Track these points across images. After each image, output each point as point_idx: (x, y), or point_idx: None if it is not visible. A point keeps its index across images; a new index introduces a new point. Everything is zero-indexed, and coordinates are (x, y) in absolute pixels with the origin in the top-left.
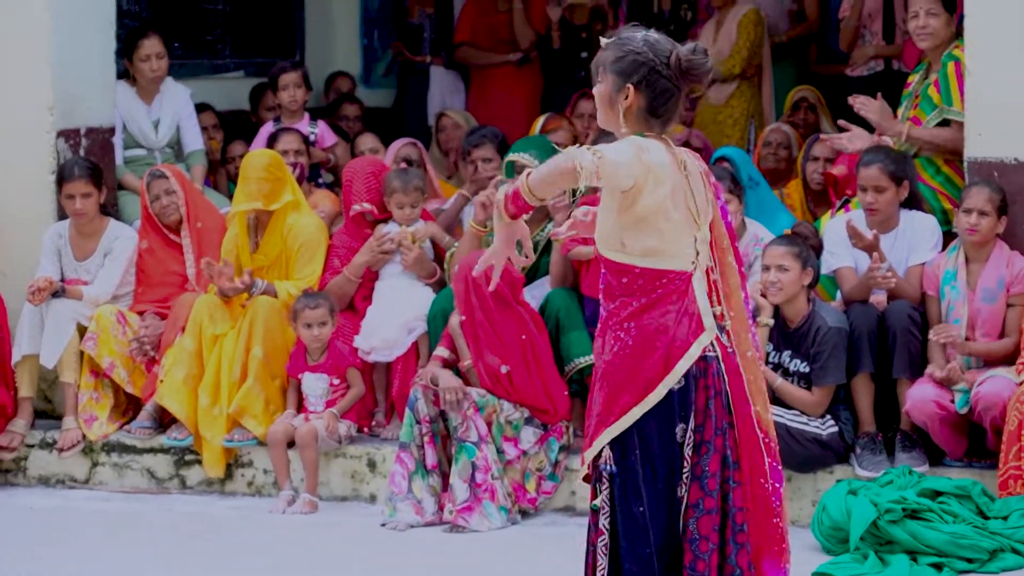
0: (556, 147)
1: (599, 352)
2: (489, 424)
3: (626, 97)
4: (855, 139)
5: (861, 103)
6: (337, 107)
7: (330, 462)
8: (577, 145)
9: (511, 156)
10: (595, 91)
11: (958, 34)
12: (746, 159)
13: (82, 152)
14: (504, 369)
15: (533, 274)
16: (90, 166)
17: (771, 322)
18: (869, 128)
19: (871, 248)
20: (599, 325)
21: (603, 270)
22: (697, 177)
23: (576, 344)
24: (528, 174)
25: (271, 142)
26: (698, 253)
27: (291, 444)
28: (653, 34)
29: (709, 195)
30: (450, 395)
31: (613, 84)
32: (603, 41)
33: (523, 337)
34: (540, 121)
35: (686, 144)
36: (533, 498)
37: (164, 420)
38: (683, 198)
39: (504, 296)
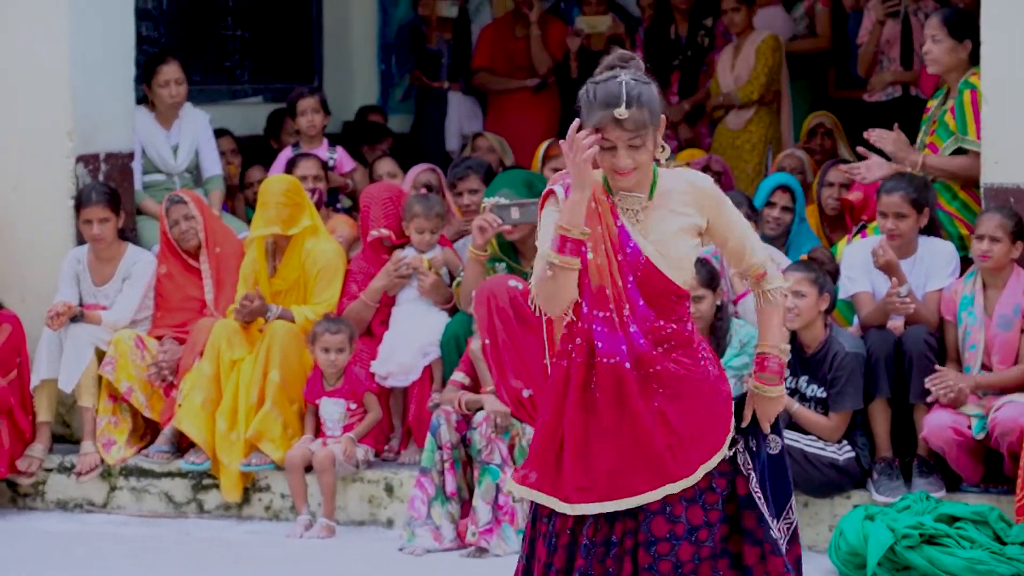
0: (534, 179)
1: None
2: (511, 448)
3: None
4: (873, 168)
5: (877, 135)
6: (361, 132)
7: (347, 487)
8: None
9: (488, 201)
10: (636, 156)
11: (975, 61)
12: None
13: (101, 177)
14: (527, 393)
15: None
16: (108, 191)
17: (786, 347)
18: (886, 155)
19: (891, 266)
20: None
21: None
22: None
23: None
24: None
25: (290, 167)
26: None
27: (308, 469)
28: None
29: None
30: (501, 420)
31: (655, 128)
32: (619, 112)
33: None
34: (543, 148)
35: (705, 168)
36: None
37: (182, 444)
38: None
39: (526, 317)
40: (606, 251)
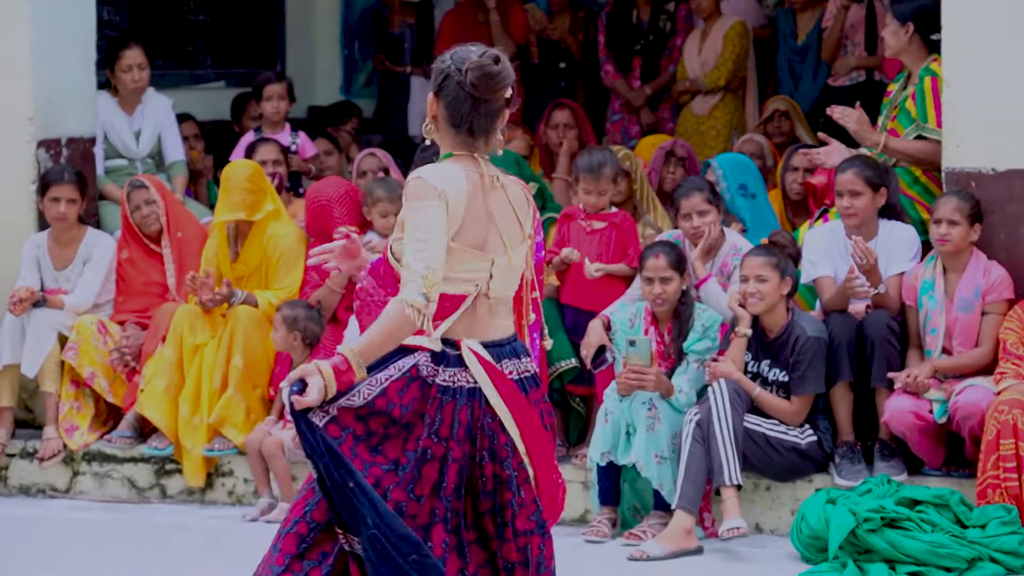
0: (522, 160)
1: None
2: None
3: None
4: (833, 153)
5: (840, 113)
6: (327, 112)
7: (307, 471)
8: (507, 172)
9: None
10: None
11: (935, 48)
12: (740, 168)
13: (63, 162)
14: None
15: None
16: (76, 173)
17: (749, 332)
18: (849, 141)
19: (871, 269)
20: None
21: None
22: (513, 203)
23: (557, 347)
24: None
25: (249, 152)
26: (491, 277)
27: None
28: (477, 49)
29: (527, 223)
30: None
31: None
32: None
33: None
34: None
35: (670, 153)
36: None
37: (145, 430)
38: (482, 222)
39: None
40: None
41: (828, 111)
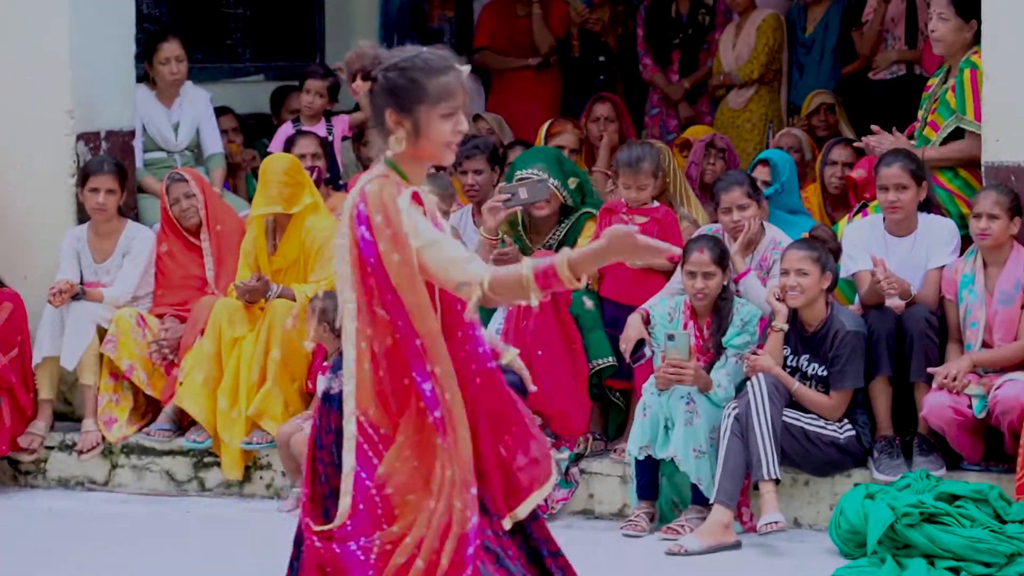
0: (562, 155)
1: None
2: None
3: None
4: (884, 140)
5: (876, 141)
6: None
7: None
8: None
9: (521, 174)
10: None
11: (977, 40)
12: (787, 164)
13: (102, 154)
14: (539, 352)
15: None
16: (117, 165)
17: (786, 327)
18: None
19: (905, 295)
20: None
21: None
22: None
23: (595, 345)
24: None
25: (288, 145)
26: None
27: None
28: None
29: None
30: None
31: None
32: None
33: (575, 346)
34: (545, 127)
35: (710, 146)
36: (543, 505)
37: (183, 423)
38: None
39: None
40: None
41: (864, 141)
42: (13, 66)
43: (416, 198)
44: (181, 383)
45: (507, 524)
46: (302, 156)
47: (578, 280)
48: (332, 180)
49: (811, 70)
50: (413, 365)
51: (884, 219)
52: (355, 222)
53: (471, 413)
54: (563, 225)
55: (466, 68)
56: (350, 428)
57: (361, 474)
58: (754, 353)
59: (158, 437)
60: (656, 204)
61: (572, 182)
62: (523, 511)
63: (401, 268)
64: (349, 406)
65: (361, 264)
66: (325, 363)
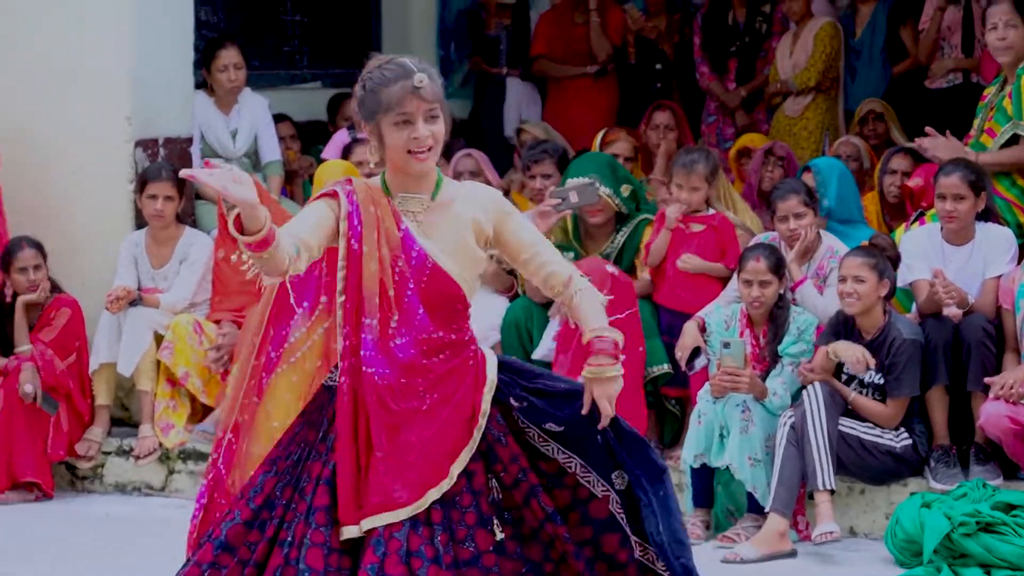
0: (615, 162)
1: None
2: None
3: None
4: (940, 146)
5: (931, 143)
6: None
7: None
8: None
9: (571, 182)
10: (433, 129)
11: None
12: (835, 170)
13: (161, 160)
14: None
15: None
16: (174, 171)
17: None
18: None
19: (963, 304)
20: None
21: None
22: None
23: (651, 352)
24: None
25: (346, 152)
26: None
27: None
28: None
29: None
30: None
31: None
32: (419, 78)
33: (640, 349)
34: (600, 135)
35: (768, 153)
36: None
37: None
38: None
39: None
40: (380, 258)
41: (916, 142)
42: (72, 72)
43: (332, 195)
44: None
45: (346, 533)
46: (360, 163)
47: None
48: None
49: (863, 74)
50: None
51: (942, 228)
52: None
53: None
54: (620, 233)
55: (420, 76)
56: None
57: None
58: (809, 371)
59: (200, 437)
60: (712, 211)
61: (625, 189)
62: (365, 525)
63: None
64: None
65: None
66: None
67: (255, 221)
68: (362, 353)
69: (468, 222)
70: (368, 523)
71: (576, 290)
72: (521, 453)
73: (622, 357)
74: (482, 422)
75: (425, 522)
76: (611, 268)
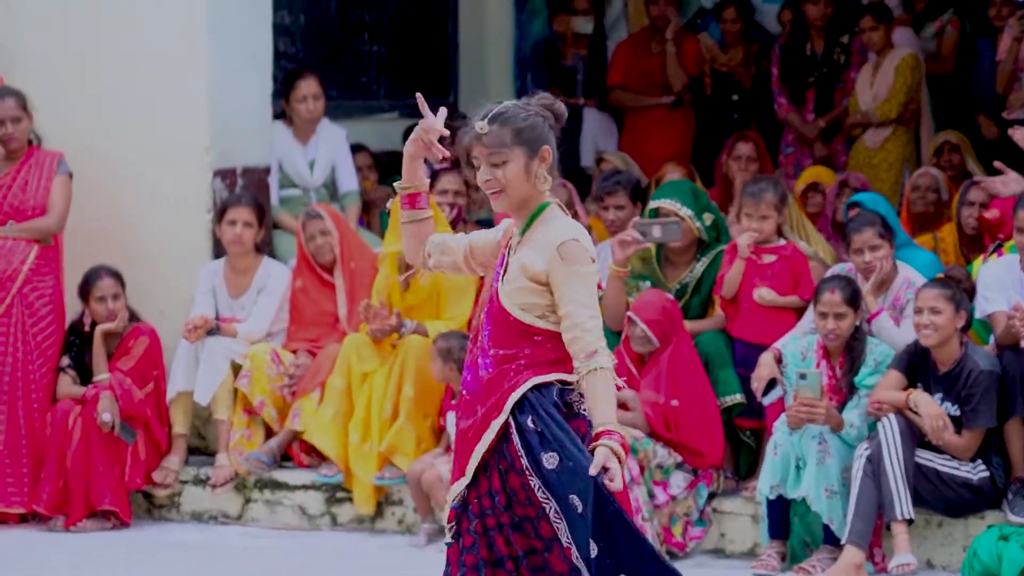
0: (698, 190)
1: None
2: (641, 467)
3: (543, 160)
4: (1010, 183)
5: (1021, 135)
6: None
7: None
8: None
9: (655, 203)
10: (496, 173)
11: None
12: (880, 202)
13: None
14: (674, 403)
15: (683, 314)
16: (256, 199)
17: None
18: None
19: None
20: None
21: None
22: None
23: (725, 382)
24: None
25: (432, 182)
26: None
27: None
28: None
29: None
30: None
31: (526, 153)
32: (480, 125)
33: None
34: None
35: (843, 185)
36: (680, 542)
37: (286, 456)
38: None
39: (668, 334)
40: (490, 282)
41: (1009, 132)
42: (152, 102)
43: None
44: (301, 429)
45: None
46: (444, 192)
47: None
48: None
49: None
50: None
51: (1021, 260)
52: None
53: None
54: (700, 262)
55: (481, 123)
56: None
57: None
58: (878, 408)
59: (253, 464)
60: (783, 241)
61: (707, 218)
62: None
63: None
64: None
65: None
66: (454, 401)
67: (411, 175)
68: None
69: (530, 260)
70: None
71: (595, 367)
72: (501, 491)
73: (625, 459)
74: (502, 418)
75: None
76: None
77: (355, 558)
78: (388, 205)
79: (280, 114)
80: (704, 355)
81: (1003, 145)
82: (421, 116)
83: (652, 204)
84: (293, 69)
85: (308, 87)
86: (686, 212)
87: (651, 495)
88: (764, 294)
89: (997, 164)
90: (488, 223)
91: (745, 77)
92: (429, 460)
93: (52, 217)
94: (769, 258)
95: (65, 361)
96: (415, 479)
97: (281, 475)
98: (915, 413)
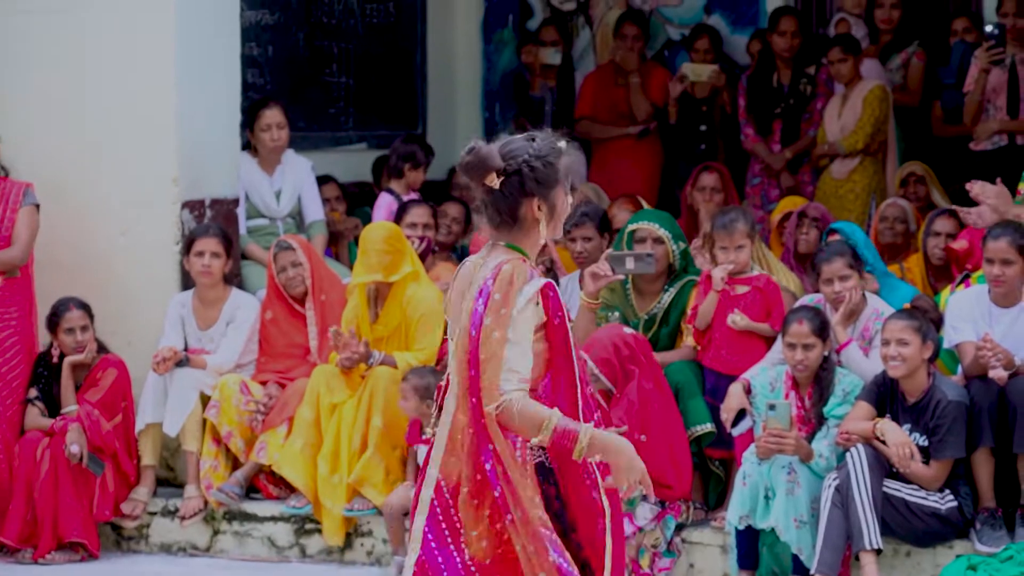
0: (673, 219)
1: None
2: None
3: (539, 208)
4: (984, 214)
5: (980, 188)
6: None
7: None
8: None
9: (633, 225)
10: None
11: None
12: (858, 231)
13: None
14: (642, 438)
15: (652, 346)
16: (223, 231)
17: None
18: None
19: (1010, 366)
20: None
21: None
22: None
23: (694, 412)
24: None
25: (400, 213)
26: None
27: (407, 513)
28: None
29: (467, 303)
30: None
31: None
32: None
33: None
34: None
35: (803, 214)
36: (648, 573)
37: (252, 488)
38: None
39: (620, 368)
40: None
41: (967, 186)
42: (119, 134)
43: (550, 288)
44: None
45: None
46: (414, 225)
47: (577, 456)
48: (444, 250)
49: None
50: (480, 443)
51: (989, 290)
52: (478, 295)
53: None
54: (667, 293)
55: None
56: (427, 492)
57: (428, 535)
58: (846, 439)
59: (223, 496)
60: (757, 273)
61: (680, 246)
62: None
63: (495, 346)
64: (433, 471)
65: (466, 334)
66: (423, 435)
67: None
68: None
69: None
70: None
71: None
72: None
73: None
74: None
75: None
76: (627, 331)
77: None
78: None
79: (246, 145)
80: (674, 385)
81: (968, 175)
82: (388, 146)
83: (631, 227)
84: (258, 99)
85: (272, 116)
86: (664, 233)
87: None
88: (737, 319)
89: (972, 194)
90: (464, 252)
91: (727, 103)
92: (404, 492)
93: (16, 248)
94: (742, 289)
95: (33, 393)
96: (393, 512)
97: (250, 506)
98: (882, 442)
